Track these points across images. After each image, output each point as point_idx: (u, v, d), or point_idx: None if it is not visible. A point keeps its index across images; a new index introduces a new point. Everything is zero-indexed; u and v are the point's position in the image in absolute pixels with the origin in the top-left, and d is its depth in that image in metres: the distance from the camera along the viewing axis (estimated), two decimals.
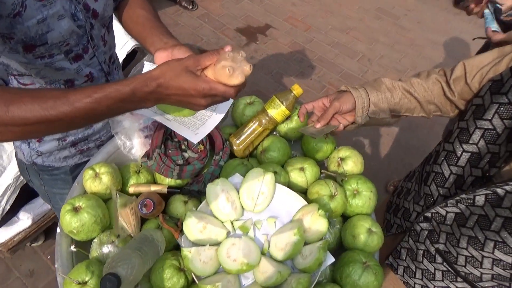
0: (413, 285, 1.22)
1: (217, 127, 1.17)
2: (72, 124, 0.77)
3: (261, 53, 3.28)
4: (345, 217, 1.11)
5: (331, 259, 0.89)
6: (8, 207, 1.68)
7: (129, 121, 1.19)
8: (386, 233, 1.36)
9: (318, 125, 1.02)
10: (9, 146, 1.65)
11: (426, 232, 1.10)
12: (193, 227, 0.89)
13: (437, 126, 2.83)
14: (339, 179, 1.09)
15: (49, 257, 2.03)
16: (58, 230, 1.04)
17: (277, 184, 1.00)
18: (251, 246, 0.89)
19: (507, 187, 0.85)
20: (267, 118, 1.17)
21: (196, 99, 0.76)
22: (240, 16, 3.57)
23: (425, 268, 1.14)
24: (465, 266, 1.01)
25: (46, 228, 1.96)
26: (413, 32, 3.73)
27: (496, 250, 0.90)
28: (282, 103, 1.15)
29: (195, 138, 0.90)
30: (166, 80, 0.73)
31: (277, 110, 1.15)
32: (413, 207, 1.19)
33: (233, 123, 1.31)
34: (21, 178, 1.71)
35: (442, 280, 1.11)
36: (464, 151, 0.98)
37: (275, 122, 1.18)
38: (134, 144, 1.22)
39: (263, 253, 0.91)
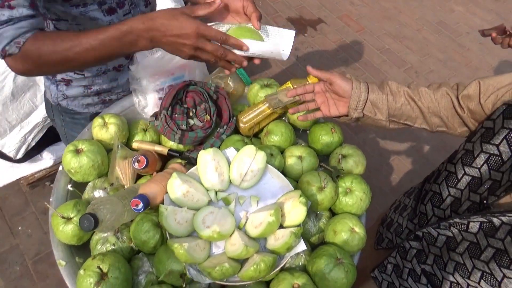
0: None
1: (228, 102, 1.20)
2: (85, 63, 0.87)
3: (307, 46, 3.25)
4: (334, 214, 1.09)
5: (302, 247, 0.89)
6: (33, 143, 1.80)
7: (147, 81, 1.24)
8: (377, 246, 1.34)
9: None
10: (44, 87, 1.76)
11: (415, 251, 1.07)
12: (176, 187, 0.92)
13: None
14: (335, 174, 1.08)
15: None
16: (60, 167, 1.10)
17: (269, 166, 1.01)
18: (228, 217, 0.90)
19: (503, 218, 0.81)
20: (280, 103, 1.17)
21: (189, 39, 0.80)
22: (295, 6, 3.55)
23: (408, 287, 1.11)
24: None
25: None
26: (471, 52, 3.54)
27: (482, 281, 0.86)
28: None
29: (285, 55, 0.93)
30: (162, 19, 0.79)
31: (288, 99, 1.15)
32: (406, 223, 1.16)
33: (248, 103, 1.32)
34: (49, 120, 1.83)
35: None
36: (465, 174, 0.94)
37: (284, 108, 1.18)
38: (149, 102, 1.26)
39: (239, 228, 0.93)
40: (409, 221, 1.14)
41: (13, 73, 1.64)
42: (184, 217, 0.89)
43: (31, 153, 1.87)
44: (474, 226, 0.87)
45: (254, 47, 0.88)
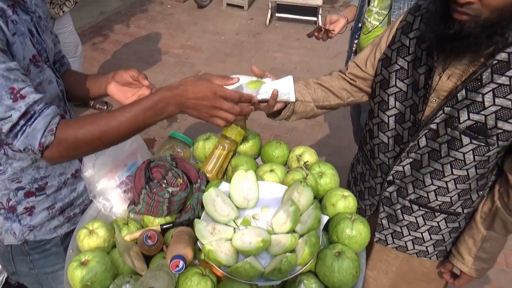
0: (405, 245, 1.39)
1: (188, 162, 1.31)
2: (119, 136, 0.95)
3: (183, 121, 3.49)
4: (320, 200, 1.28)
5: (326, 218, 1.04)
6: None
7: (104, 181, 1.27)
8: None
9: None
10: None
11: (395, 193, 1.31)
12: (204, 230, 0.99)
13: None
14: (304, 166, 1.28)
15: None
16: None
17: (258, 182, 1.15)
18: (259, 229, 1.01)
19: (437, 121, 1.10)
20: (227, 141, 1.34)
21: (212, 100, 0.92)
22: None
23: (408, 222, 1.33)
24: (436, 199, 1.23)
25: None
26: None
27: (453, 169, 1.13)
28: (237, 125, 1.35)
29: (292, 97, 1.11)
30: (186, 85, 0.92)
31: (234, 132, 1.34)
32: (374, 182, 1.39)
33: (198, 161, 1.45)
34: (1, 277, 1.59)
35: (425, 224, 1.31)
36: (388, 116, 1.25)
37: (235, 143, 1.36)
38: (113, 202, 1.28)
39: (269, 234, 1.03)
40: (375, 178, 1.37)
41: None
42: (227, 247, 0.96)
43: None
44: (422, 140, 1.15)
45: (269, 88, 1.07)
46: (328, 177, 1.26)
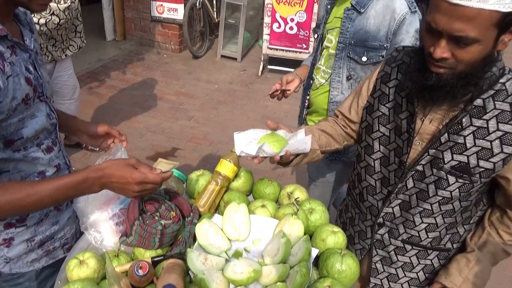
0: (401, 287, 1.39)
1: (180, 196, 1.34)
2: (38, 208, 1.03)
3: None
4: (310, 236, 1.30)
5: (315, 251, 1.06)
6: None
7: (97, 213, 1.28)
8: None
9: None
10: None
11: (387, 235, 1.34)
12: (196, 260, 1.00)
13: None
14: (295, 202, 1.31)
15: None
16: None
17: (250, 215, 1.18)
18: (250, 261, 1.02)
19: (422, 162, 1.17)
20: (220, 177, 1.38)
21: (132, 186, 1.01)
22: (147, 147, 3.85)
23: (402, 263, 1.35)
24: (428, 237, 1.27)
25: None
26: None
27: (441, 206, 1.18)
28: (230, 162, 1.39)
29: (308, 148, 1.20)
30: (111, 170, 1.00)
31: (227, 168, 1.38)
32: (364, 225, 1.42)
33: (190, 196, 1.47)
34: None
35: (419, 263, 1.33)
36: (374, 159, 1.31)
37: (228, 179, 1.39)
38: (104, 235, 1.28)
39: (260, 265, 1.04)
40: (365, 221, 1.40)
41: None
42: (218, 277, 0.97)
43: None
44: (409, 182, 1.21)
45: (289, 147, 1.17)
46: (318, 213, 1.29)
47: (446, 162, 1.13)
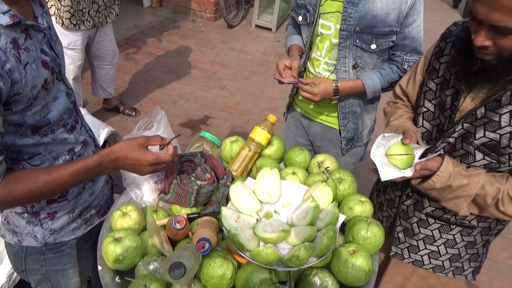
0: (421, 259, 1.43)
1: (216, 159, 1.41)
2: (56, 193, 1.10)
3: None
4: (338, 204, 1.34)
5: (343, 217, 1.11)
6: None
7: None
8: None
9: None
10: None
11: (412, 207, 1.36)
12: (229, 217, 1.07)
13: None
14: (325, 171, 1.35)
15: None
16: (99, 267, 1.12)
17: (281, 180, 1.24)
18: (280, 221, 1.09)
19: (455, 135, 1.18)
20: (254, 143, 1.43)
21: (145, 167, 1.06)
22: (181, 114, 3.95)
23: (424, 235, 1.37)
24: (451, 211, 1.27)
25: None
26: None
27: None
28: (264, 129, 1.44)
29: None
30: (123, 153, 1.04)
31: (261, 135, 1.43)
32: (394, 194, 1.45)
33: (224, 160, 1.54)
34: (14, 276, 1.69)
35: (441, 237, 1.35)
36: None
37: (261, 146, 1.45)
38: (144, 191, 1.38)
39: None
40: (395, 191, 1.44)
41: None
42: (249, 234, 1.04)
43: None
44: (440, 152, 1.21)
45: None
46: (347, 183, 1.33)
47: (477, 138, 1.13)
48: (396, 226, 1.44)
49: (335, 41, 1.59)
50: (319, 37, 1.65)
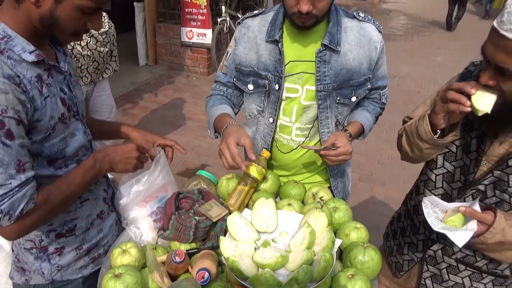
0: None
1: (213, 195, 1.44)
2: (76, 194, 1.18)
3: None
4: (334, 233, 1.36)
5: (339, 241, 1.13)
6: None
7: (137, 209, 1.40)
8: (399, 275, 1.50)
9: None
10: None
11: (440, 252, 1.32)
12: (228, 246, 1.09)
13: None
14: (320, 200, 1.39)
15: None
16: None
17: (277, 210, 1.27)
18: (277, 248, 1.11)
19: (485, 182, 1.17)
20: (250, 178, 1.47)
21: (132, 152, 1.23)
22: (177, 164, 4.01)
23: (454, 282, 1.32)
24: (484, 258, 1.23)
25: None
26: None
27: None
28: (258, 165, 1.49)
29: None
30: (112, 148, 1.23)
31: (256, 170, 1.48)
32: (416, 238, 1.41)
33: (222, 197, 1.57)
34: None
35: (471, 286, 1.29)
36: (436, 175, 1.31)
37: (256, 181, 1.49)
38: (143, 230, 1.40)
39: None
40: (417, 235, 1.40)
41: None
42: (248, 261, 1.05)
43: None
44: (469, 200, 1.20)
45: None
46: (342, 211, 1.36)
47: (510, 185, 1.12)
48: (423, 272, 1.39)
49: (306, 103, 1.50)
50: (284, 102, 1.52)
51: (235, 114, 1.65)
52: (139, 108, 5.11)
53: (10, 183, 0.96)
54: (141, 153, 1.28)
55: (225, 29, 5.95)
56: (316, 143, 1.59)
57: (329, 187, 1.70)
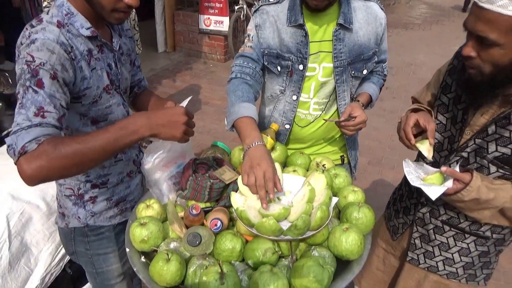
0: (436, 265, 1.51)
1: (226, 162, 1.60)
2: (94, 156, 1.03)
3: None
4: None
5: (335, 199, 1.29)
6: None
7: (159, 173, 1.57)
8: (395, 237, 1.67)
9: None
10: (35, 249, 1.84)
11: (428, 214, 1.46)
12: (238, 199, 1.25)
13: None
14: (323, 167, 1.53)
15: None
16: (127, 249, 1.30)
17: (283, 174, 1.42)
18: (281, 203, 1.26)
19: (468, 150, 1.30)
20: None
21: (180, 116, 1.13)
22: (194, 146, 4.17)
23: (439, 242, 1.46)
24: (466, 220, 1.37)
25: None
26: None
27: None
28: (268, 136, 1.65)
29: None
30: (155, 112, 1.12)
31: (265, 141, 1.63)
32: (409, 202, 1.57)
33: (234, 166, 1.73)
34: (47, 280, 1.86)
35: (455, 245, 1.42)
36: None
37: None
38: (164, 192, 1.57)
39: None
40: (411, 199, 1.56)
41: (8, 242, 1.73)
42: (255, 212, 1.21)
43: None
44: (453, 166, 1.31)
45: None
46: (342, 177, 1.50)
47: (489, 152, 1.22)
48: (413, 232, 1.53)
49: (323, 79, 1.64)
50: (303, 81, 1.66)
51: (255, 100, 1.66)
52: (158, 93, 5.27)
53: (25, 123, 0.98)
54: (190, 118, 1.17)
55: (242, 16, 6.07)
56: (331, 115, 1.76)
57: (341, 156, 1.89)
